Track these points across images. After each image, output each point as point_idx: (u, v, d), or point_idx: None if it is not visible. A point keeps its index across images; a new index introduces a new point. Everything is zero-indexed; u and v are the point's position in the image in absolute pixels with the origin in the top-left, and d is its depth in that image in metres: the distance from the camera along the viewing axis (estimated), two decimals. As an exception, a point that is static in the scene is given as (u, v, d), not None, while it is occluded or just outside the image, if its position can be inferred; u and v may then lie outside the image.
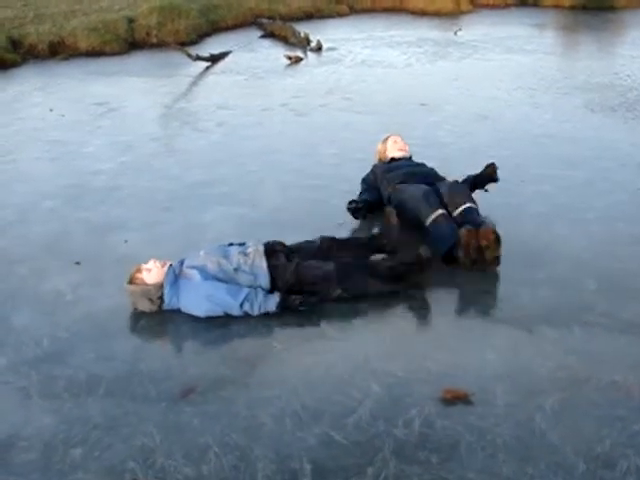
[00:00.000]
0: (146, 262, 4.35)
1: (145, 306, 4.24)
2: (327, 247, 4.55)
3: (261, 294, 4.17)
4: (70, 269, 4.79)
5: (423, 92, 8.85)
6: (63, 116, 8.39)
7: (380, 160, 5.71)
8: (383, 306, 4.24)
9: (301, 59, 11.02)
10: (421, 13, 14.35)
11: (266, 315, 4.16)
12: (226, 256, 4.31)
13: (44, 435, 3.29)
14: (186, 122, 8.09)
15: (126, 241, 5.15)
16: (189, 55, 10.76)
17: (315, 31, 12.27)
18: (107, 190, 6.16)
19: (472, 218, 4.83)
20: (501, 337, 3.92)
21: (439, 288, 4.44)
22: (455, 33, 12.45)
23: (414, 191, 5.02)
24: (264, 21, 13.41)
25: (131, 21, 12.48)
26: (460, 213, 4.86)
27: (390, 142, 5.72)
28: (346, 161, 6.59)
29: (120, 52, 11.86)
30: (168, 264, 4.33)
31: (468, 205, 4.91)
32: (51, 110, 8.65)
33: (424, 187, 5.05)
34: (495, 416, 3.27)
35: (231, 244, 4.48)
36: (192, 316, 4.18)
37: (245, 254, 4.32)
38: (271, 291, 4.25)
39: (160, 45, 12.00)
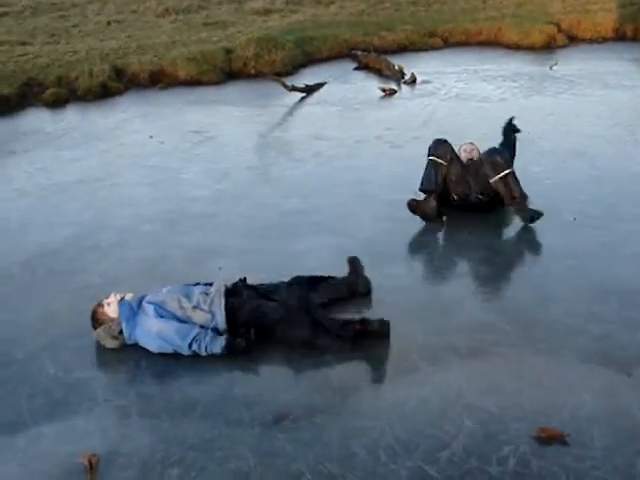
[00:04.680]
0: (107, 296, 4.43)
1: (110, 344, 4.30)
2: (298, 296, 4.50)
3: (209, 336, 4.17)
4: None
5: (518, 127, 8.76)
6: (162, 143, 8.63)
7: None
8: (477, 341, 4.21)
9: (395, 91, 11.04)
10: (515, 47, 14.20)
11: (359, 346, 4.18)
12: (187, 295, 4.35)
13: (142, 453, 3.39)
14: (282, 151, 8.21)
15: (220, 268, 5.25)
16: (285, 85, 10.92)
17: (409, 64, 12.28)
18: (204, 216, 6.30)
19: None
20: (598, 377, 3.84)
21: (534, 326, 4.39)
22: (550, 68, 12.28)
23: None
24: (359, 53, 13.49)
25: (228, 52, 12.75)
26: None
27: (460, 148, 6.31)
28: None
29: (217, 82, 12.10)
30: (119, 297, 4.38)
31: None
32: (151, 137, 8.90)
33: None
34: (592, 459, 3.21)
35: (197, 284, 4.51)
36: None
37: (206, 293, 4.36)
38: (228, 330, 4.24)
39: (257, 75, 12.20)
